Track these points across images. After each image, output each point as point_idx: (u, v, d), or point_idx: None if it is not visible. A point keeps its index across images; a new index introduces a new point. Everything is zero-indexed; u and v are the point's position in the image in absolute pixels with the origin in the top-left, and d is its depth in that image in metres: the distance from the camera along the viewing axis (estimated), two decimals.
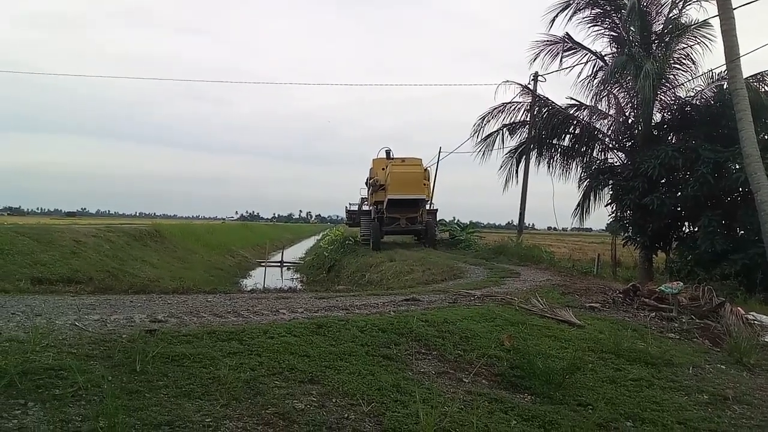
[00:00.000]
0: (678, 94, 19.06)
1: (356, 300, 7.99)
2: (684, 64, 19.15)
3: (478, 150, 22.78)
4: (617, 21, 19.71)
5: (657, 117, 19.27)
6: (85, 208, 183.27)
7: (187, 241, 36.61)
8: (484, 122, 22.17)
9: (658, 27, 19.47)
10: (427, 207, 26.24)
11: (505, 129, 22.37)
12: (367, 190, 28.13)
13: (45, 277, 17.32)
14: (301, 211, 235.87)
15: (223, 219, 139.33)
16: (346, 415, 3.78)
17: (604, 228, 26.95)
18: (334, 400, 4.01)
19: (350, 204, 30.45)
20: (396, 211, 24.36)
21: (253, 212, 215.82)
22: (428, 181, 26.86)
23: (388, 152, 26.58)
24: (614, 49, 20.00)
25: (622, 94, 20.23)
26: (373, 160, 27.30)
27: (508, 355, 5.54)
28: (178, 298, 7.53)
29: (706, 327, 8.04)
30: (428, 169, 27.63)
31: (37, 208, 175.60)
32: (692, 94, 18.54)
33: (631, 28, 19.39)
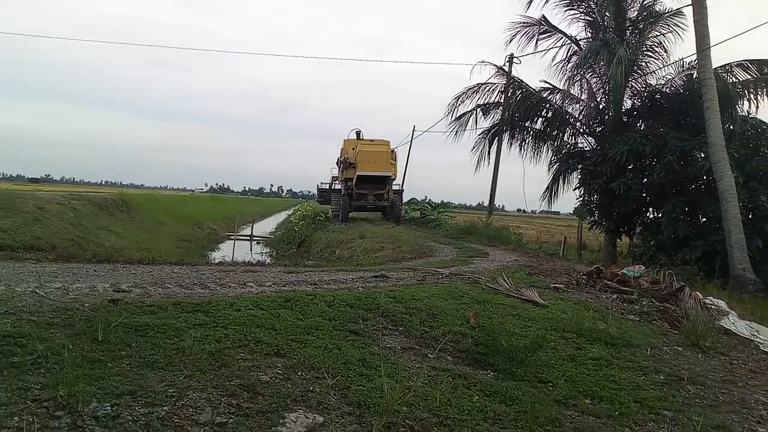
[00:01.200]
0: (649, 82, 19.36)
1: (325, 275, 7.99)
2: (656, 51, 19.40)
3: (452, 129, 22.83)
4: (593, 5, 19.81)
5: (627, 103, 19.55)
6: (49, 175, 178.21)
7: (155, 212, 35.92)
8: (459, 102, 22.20)
9: (632, 13, 19.65)
10: (395, 187, 27.95)
11: (479, 109, 22.43)
12: (338, 168, 29.67)
13: (6, 244, 16.90)
14: (272, 185, 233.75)
15: (192, 191, 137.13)
16: (311, 387, 3.80)
17: (572, 212, 27.43)
18: (299, 373, 4.02)
19: (321, 183, 32.41)
20: (364, 188, 26.03)
21: (224, 185, 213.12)
22: (395, 161, 28.45)
23: (358, 133, 28.41)
24: (589, 34, 20.14)
25: (595, 80, 20.43)
26: (345, 140, 28.99)
27: (473, 332, 5.62)
28: (144, 269, 7.42)
29: (666, 310, 8.27)
30: (395, 150, 29.08)
31: (0, 173, 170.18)
32: (663, 81, 18.85)
33: (606, 14, 19.53)
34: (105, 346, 3.98)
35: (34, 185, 74.30)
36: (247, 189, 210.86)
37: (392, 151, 27.76)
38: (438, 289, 7.15)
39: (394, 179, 27.61)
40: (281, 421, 3.29)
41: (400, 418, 3.56)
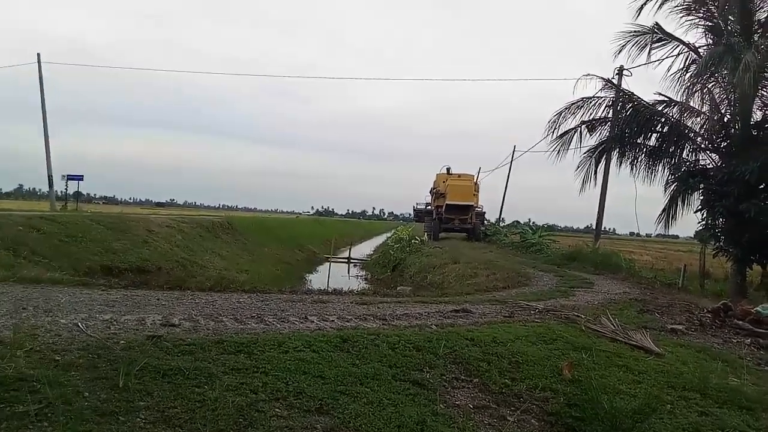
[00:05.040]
0: None
1: (399, 308, 7.22)
2: None
3: (554, 148, 21.37)
4: (713, 9, 17.80)
5: (757, 115, 17.21)
6: (173, 199, 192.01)
7: (258, 235, 37.10)
8: (561, 118, 20.67)
9: (761, 15, 17.42)
10: (476, 210, 34.20)
11: (583, 126, 20.79)
12: (431, 196, 37.07)
13: (114, 265, 17.78)
14: (374, 208, 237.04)
15: (299, 213, 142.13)
16: None
17: (692, 235, 24.87)
18: None
19: (417, 203, 40.23)
20: (452, 213, 32.25)
21: (328, 208, 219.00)
22: (477, 192, 34.86)
23: (448, 169, 34.29)
24: (710, 40, 18.07)
25: (718, 90, 18.25)
26: (437, 174, 35.63)
27: (566, 388, 4.62)
28: (210, 298, 7.05)
29: None
30: (478, 183, 36.01)
31: (130, 198, 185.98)
32: None
33: (730, 17, 17.47)
34: (124, 395, 3.49)
35: (159, 209, 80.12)
36: (350, 211, 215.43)
37: (475, 183, 34.42)
38: (526, 330, 6.15)
39: (476, 206, 33.77)
40: None
41: None
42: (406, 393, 4.12)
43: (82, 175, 34.47)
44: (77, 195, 38.81)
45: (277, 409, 3.58)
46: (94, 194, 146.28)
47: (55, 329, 4.58)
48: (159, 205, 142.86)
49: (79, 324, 4.78)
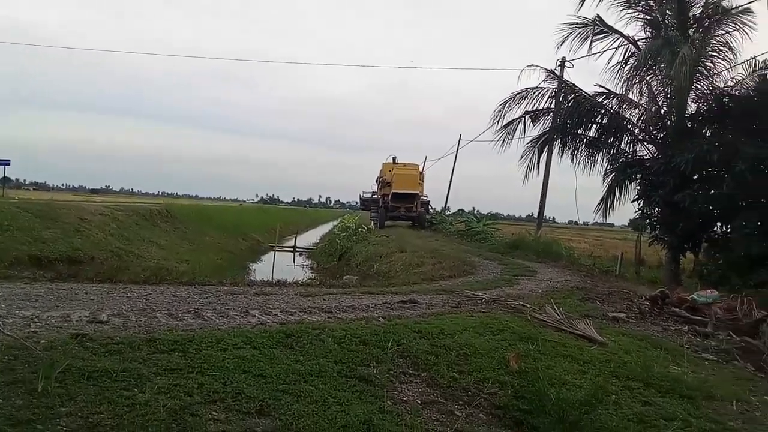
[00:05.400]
0: (716, 84, 17.64)
1: (346, 299, 7.04)
2: (722, 51, 17.70)
3: (499, 138, 21.56)
4: (652, 3, 18.29)
5: (692, 108, 17.84)
6: (109, 186, 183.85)
7: (200, 223, 35.97)
8: (506, 108, 20.86)
9: (696, 10, 18.01)
10: (421, 199, 34.77)
11: (527, 116, 21.06)
12: (377, 185, 37.59)
13: (44, 255, 16.78)
14: (320, 196, 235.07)
15: (243, 201, 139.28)
16: None
17: (627, 224, 25.72)
18: None
19: (363, 192, 40.24)
20: (397, 202, 32.73)
21: (273, 195, 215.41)
22: (422, 181, 35.67)
23: (394, 158, 34.76)
24: (648, 34, 18.56)
25: (655, 82, 18.80)
26: (383, 163, 36.25)
27: (514, 380, 4.56)
28: (144, 291, 6.66)
29: (748, 347, 6.96)
30: (423, 172, 36.60)
31: (63, 184, 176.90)
32: (731, 84, 17.13)
33: (668, 11, 17.99)
34: (43, 400, 3.18)
35: (93, 196, 76.64)
36: (296, 199, 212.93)
37: (420, 173, 35.16)
38: (474, 321, 6.08)
39: (421, 195, 34.50)
40: None
41: None
42: (352, 390, 3.95)
43: (9, 160, 32.50)
44: (4, 180, 36.59)
45: (213, 412, 3.35)
46: (24, 180, 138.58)
47: None
48: (93, 191, 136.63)
49: None
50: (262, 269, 25.65)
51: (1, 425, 2.89)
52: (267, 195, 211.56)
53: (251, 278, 16.54)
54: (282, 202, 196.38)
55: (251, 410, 3.43)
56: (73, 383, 3.40)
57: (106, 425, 3.03)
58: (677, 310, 8.53)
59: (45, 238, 18.27)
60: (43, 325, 4.50)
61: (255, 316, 5.53)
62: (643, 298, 9.27)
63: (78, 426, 3.01)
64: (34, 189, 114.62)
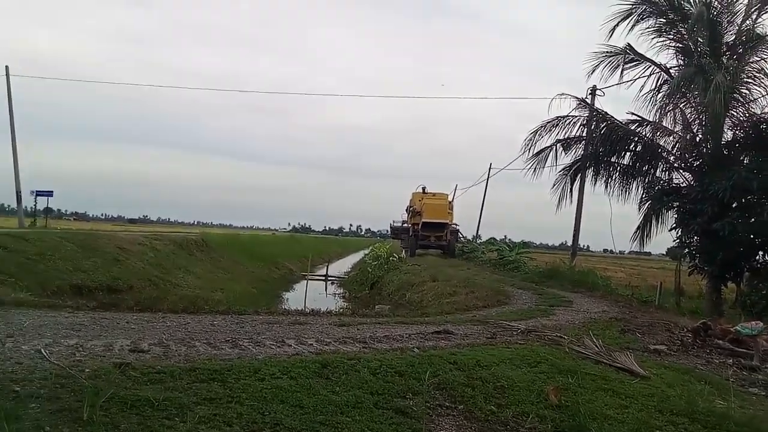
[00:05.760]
0: (752, 110, 17.31)
1: (379, 329, 7.03)
2: (757, 78, 17.40)
3: (530, 166, 21.44)
4: (683, 31, 18.14)
5: (728, 135, 17.50)
6: (146, 216, 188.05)
7: (234, 252, 36.52)
8: (537, 137, 20.76)
9: (729, 37, 17.81)
10: (451, 228, 35.62)
11: (558, 144, 20.91)
12: (407, 214, 38.76)
13: (84, 284, 17.23)
14: (351, 224, 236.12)
15: (275, 230, 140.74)
16: None
17: (665, 252, 25.12)
18: None
19: (394, 221, 41.17)
20: (428, 231, 33.83)
21: (305, 224, 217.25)
22: (452, 210, 36.71)
23: (424, 188, 35.75)
24: (680, 61, 18.38)
25: (689, 110, 18.54)
26: (413, 193, 37.24)
27: (554, 413, 4.47)
28: (182, 320, 6.77)
29: None
30: (452, 201, 37.51)
31: (102, 214, 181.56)
32: None
33: (699, 39, 17.82)
34: (88, 428, 3.26)
35: (131, 225, 78.56)
36: (327, 228, 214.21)
37: (450, 202, 36.22)
38: (510, 353, 5.99)
39: (450, 224, 35.43)
40: None
41: None
42: (389, 422, 3.93)
43: (52, 191, 33.68)
44: (47, 211, 37.87)
45: None
46: (66, 210, 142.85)
47: (15, 356, 4.31)
48: (131, 221, 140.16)
49: (42, 350, 4.51)
50: (295, 297, 25.80)
51: None
52: (299, 224, 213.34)
53: (285, 307, 16.68)
54: (313, 230, 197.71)
55: None
56: (117, 412, 3.47)
57: None
58: (721, 342, 8.25)
59: (86, 268, 18.78)
60: (87, 353, 4.61)
61: (291, 345, 5.56)
62: (685, 330, 9.01)
63: None
64: (74, 219, 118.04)
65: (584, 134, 20.38)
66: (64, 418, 3.32)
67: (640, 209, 19.55)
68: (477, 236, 45.63)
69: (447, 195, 36.77)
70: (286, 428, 3.58)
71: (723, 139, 17.44)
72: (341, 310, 12.95)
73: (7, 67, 29.68)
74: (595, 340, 6.76)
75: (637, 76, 19.06)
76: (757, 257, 16.44)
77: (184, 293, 20.30)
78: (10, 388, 3.63)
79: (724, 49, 17.89)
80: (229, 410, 3.70)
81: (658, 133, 19.08)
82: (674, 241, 18.23)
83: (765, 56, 17.37)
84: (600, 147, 19.67)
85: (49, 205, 37.51)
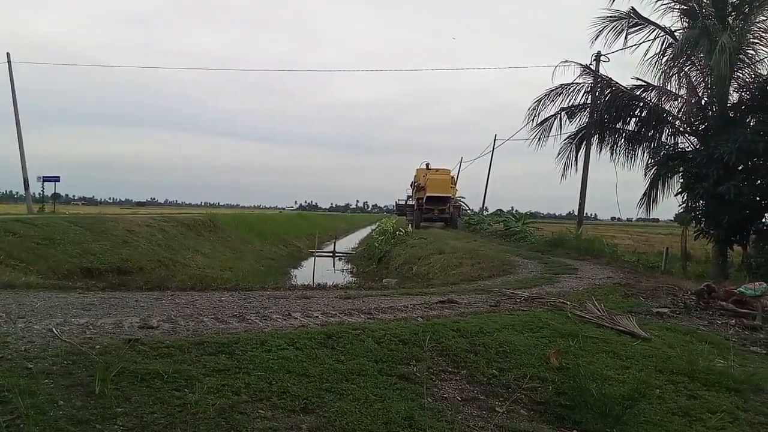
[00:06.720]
0: (758, 71, 17.05)
1: (384, 301, 7.13)
2: (763, 38, 17.10)
3: (534, 136, 21.31)
4: None
5: (734, 97, 17.27)
6: (154, 198, 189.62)
7: (241, 231, 36.77)
8: (541, 105, 20.58)
9: None
10: (453, 202, 37.22)
11: (563, 113, 20.75)
12: (411, 189, 41.34)
13: (94, 267, 17.46)
14: (358, 201, 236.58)
15: (282, 209, 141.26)
16: None
17: (673, 218, 25.04)
18: None
19: (399, 199, 45.45)
20: (431, 205, 35.29)
21: (312, 202, 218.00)
22: (454, 185, 38.32)
23: (427, 164, 37.91)
24: (685, 24, 18.07)
25: (694, 73, 18.29)
26: (417, 169, 39.03)
27: (554, 376, 4.57)
28: (190, 297, 6.89)
29: None
30: (454, 176, 39.60)
31: (110, 198, 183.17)
32: None
33: (704, 0, 17.51)
34: (100, 401, 3.36)
35: (139, 208, 79.05)
36: (334, 205, 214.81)
37: (452, 177, 37.99)
38: (513, 319, 6.09)
39: (453, 198, 37.15)
40: None
41: None
42: (392, 388, 4.03)
43: (59, 177, 33.90)
44: (55, 197, 38.14)
45: (260, 410, 3.48)
46: (73, 195, 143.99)
47: (28, 336, 4.42)
48: (139, 204, 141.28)
49: (54, 329, 4.62)
50: (303, 274, 26.05)
51: (64, 424, 3.08)
52: (306, 202, 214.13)
53: (292, 283, 16.86)
54: (320, 208, 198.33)
55: (296, 408, 3.55)
56: (127, 385, 3.57)
57: (159, 424, 3.18)
58: (724, 303, 8.32)
59: (95, 251, 19.02)
60: (98, 331, 4.72)
61: (297, 318, 5.67)
62: (689, 293, 9.07)
63: (133, 425, 3.17)
64: (83, 204, 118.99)
65: (589, 101, 20.20)
66: (76, 393, 3.43)
67: (645, 175, 19.44)
68: (483, 208, 45.96)
69: (449, 170, 38.64)
70: (293, 396, 3.68)
71: (729, 102, 17.24)
72: (348, 284, 13.07)
73: (8, 53, 29.74)
74: (597, 304, 6.85)
75: (641, 41, 18.78)
76: (764, 219, 16.38)
77: (193, 272, 20.56)
78: (24, 365, 3.74)
79: (729, 9, 17.56)
80: (236, 380, 3.80)
81: (663, 98, 18.88)
82: (680, 206, 18.18)
83: None
84: (605, 114, 19.50)
85: (56, 191, 37.83)
